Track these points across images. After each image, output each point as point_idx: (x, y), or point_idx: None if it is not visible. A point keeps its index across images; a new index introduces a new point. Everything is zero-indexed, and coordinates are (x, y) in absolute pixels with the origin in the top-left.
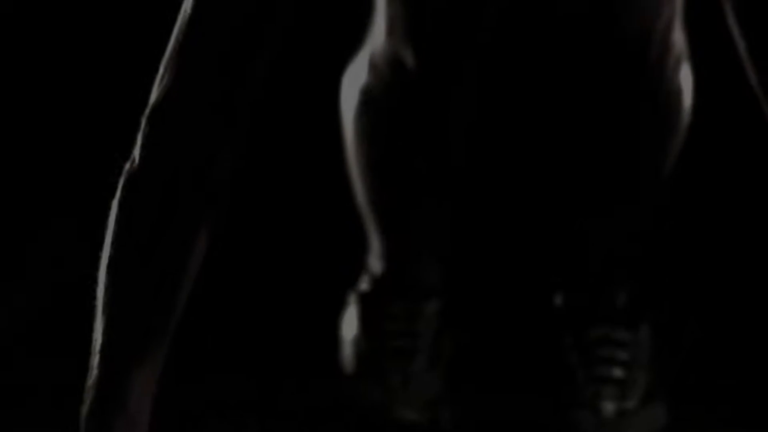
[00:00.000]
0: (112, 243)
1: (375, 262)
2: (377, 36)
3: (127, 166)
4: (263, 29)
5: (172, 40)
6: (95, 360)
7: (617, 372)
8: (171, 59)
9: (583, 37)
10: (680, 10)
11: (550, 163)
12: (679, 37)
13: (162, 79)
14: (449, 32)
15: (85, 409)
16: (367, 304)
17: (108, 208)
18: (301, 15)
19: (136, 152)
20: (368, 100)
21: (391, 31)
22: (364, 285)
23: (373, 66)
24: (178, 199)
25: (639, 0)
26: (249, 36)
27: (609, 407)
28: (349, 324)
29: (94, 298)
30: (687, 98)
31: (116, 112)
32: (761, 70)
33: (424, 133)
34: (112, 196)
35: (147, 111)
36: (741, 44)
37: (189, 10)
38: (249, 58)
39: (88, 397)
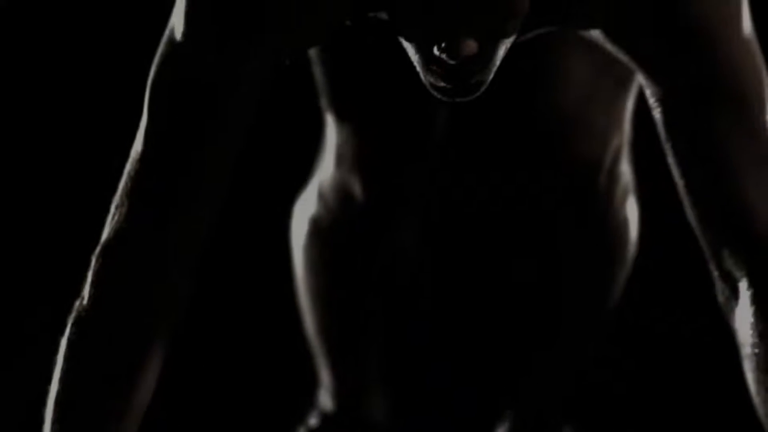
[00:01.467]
0: (59, 381)
1: (325, 398)
2: (326, 166)
3: (77, 303)
4: (213, 168)
5: (123, 178)
6: None
7: None
8: (122, 197)
9: (531, 166)
10: (628, 141)
11: (496, 293)
12: (626, 169)
13: (113, 217)
14: (397, 163)
15: None
16: None
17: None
18: (249, 149)
19: (86, 290)
20: (317, 230)
21: (339, 161)
22: (313, 421)
23: (321, 196)
24: (127, 341)
25: (588, 129)
26: (200, 174)
27: None
28: None
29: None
30: (633, 230)
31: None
32: (699, 210)
33: (372, 265)
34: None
35: (98, 249)
36: (680, 183)
37: (139, 148)
38: (200, 196)
39: None
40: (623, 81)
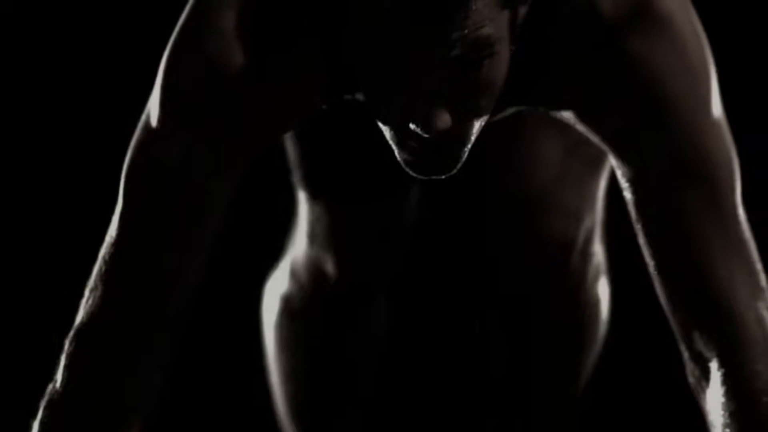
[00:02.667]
0: None
1: None
2: (298, 243)
3: (49, 386)
4: (188, 255)
5: (98, 261)
6: None
7: None
8: (96, 281)
9: (503, 246)
10: (600, 222)
11: (468, 371)
12: (599, 249)
13: (87, 301)
14: (370, 242)
15: None
16: None
17: None
18: (223, 237)
19: (58, 374)
20: (289, 309)
21: (311, 238)
22: None
23: (294, 274)
24: (98, 428)
25: (560, 208)
26: (174, 262)
27: None
28: None
29: None
30: (604, 310)
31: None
32: (669, 290)
33: (344, 343)
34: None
35: (71, 332)
36: (650, 264)
37: (114, 233)
38: (174, 284)
39: None
40: (595, 161)
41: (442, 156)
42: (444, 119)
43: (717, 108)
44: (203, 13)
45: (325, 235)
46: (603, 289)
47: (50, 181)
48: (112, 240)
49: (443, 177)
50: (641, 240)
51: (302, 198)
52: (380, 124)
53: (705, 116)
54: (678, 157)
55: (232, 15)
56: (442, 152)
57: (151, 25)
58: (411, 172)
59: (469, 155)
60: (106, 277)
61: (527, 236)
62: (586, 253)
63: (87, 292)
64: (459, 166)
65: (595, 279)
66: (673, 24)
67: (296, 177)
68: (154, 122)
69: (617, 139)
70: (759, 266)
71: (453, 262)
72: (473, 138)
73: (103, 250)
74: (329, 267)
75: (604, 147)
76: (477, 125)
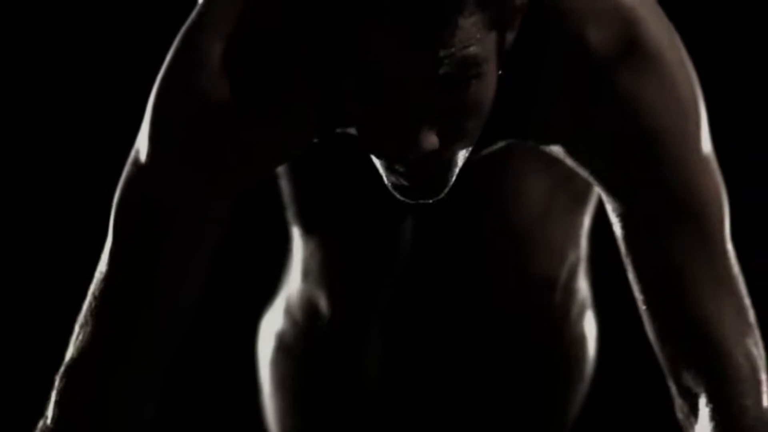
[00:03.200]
0: None
1: None
2: (292, 280)
3: (40, 423)
4: (178, 291)
5: (88, 297)
6: None
7: None
8: (87, 317)
9: (492, 278)
10: (585, 257)
11: (458, 401)
12: (583, 285)
13: (77, 337)
14: (363, 279)
15: None
16: None
17: None
18: (217, 272)
19: (49, 410)
20: (283, 346)
21: (305, 275)
22: None
23: (288, 311)
24: None
25: (544, 245)
26: (165, 297)
27: None
28: None
29: None
30: (591, 346)
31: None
32: (657, 325)
33: (339, 380)
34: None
35: (62, 368)
36: (639, 299)
37: (104, 269)
38: (165, 320)
39: None
40: (579, 197)
41: (430, 180)
42: (431, 140)
43: (706, 143)
44: (192, 46)
45: (318, 271)
46: (589, 326)
47: (50, 181)
48: (102, 276)
49: (431, 201)
50: (630, 274)
51: (296, 234)
52: (370, 151)
53: (694, 152)
54: (667, 194)
55: (221, 47)
56: (429, 176)
57: (151, 25)
58: (399, 196)
59: (457, 189)
60: (96, 312)
61: (513, 271)
62: (569, 289)
63: (77, 327)
64: (446, 190)
65: (580, 315)
66: (662, 59)
67: (290, 213)
68: (143, 158)
69: (606, 174)
70: (747, 302)
71: (444, 293)
72: (460, 163)
73: (94, 286)
74: (323, 303)
75: (592, 181)
76: (464, 149)
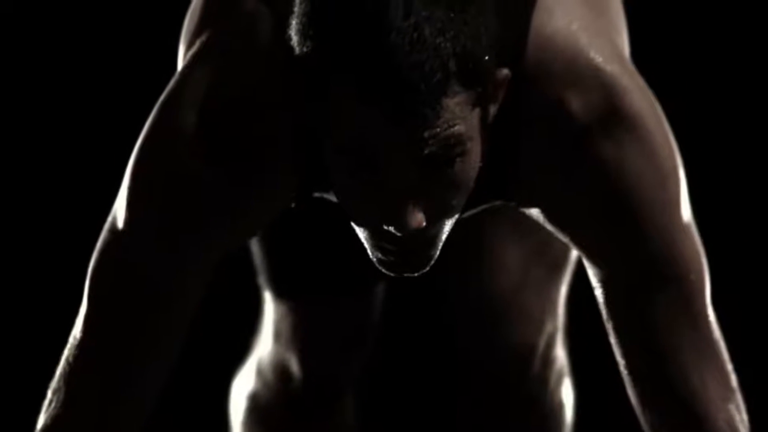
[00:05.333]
0: None
1: None
2: (264, 341)
3: None
4: (153, 359)
5: (61, 363)
6: None
7: None
8: (59, 383)
9: (464, 350)
10: (563, 326)
11: None
12: (561, 353)
13: (50, 403)
14: (335, 342)
15: None
16: None
17: None
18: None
19: None
20: (255, 407)
21: (277, 337)
22: None
23: (259, 372)
24: None
25: (521, 314)
26: (139, 365)
27: None
28: None
29: None
30: (568, 414)
31: None
32: (639, 390)
33: None
34: None
35: None
36: (621, 364)
37: (78, 335)
38: (140, 387)
39: None
40: (556, 267)
41: (415, 254)
42: (418, 218)
43: (686, 209)
44: (169, 115)
45: (290, 334)
46: (566, 394)
47: (50, 181)
48: (77, 342)
49: (415, 275)
50: (612, 339)
51: (268, 297)
52: (353, 224)
53: (674, 218)
54: (647, 261)
55: (199, 116)
56: (415, 251)
57: (151, 24)
58: (384, 271)
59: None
60: (69, 379)
61: (489, 340)
62: (547, 359)
63: (50, 393)
64: (432, 263)
65: (558, 384)
66: (642, 125)
67: (261, 277)
68: (120, 224)
69: (586, 241)
70: (729, 367)
71: (419, 360)
72: (445, 236)
73: (67, 352)
74: (294, 366)
75: (572, 246)
76: (449, 223)
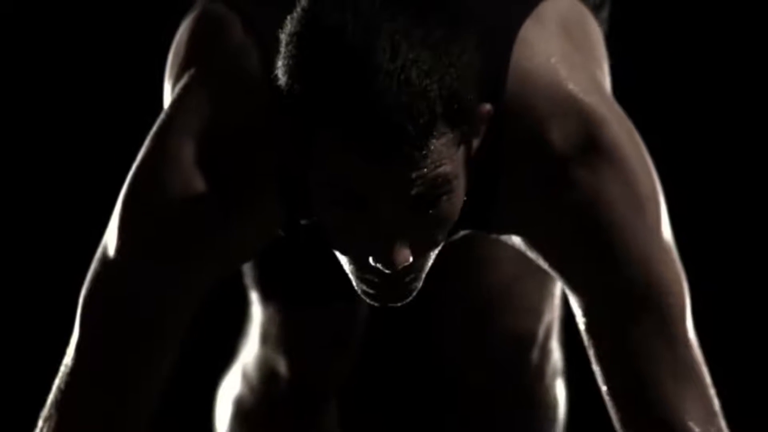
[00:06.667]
0: None
1: None
2: (250, 344)
3: None
4: (144, 385)
5: (53, 391)
6: None
7: None
8: (50, 410)
9: (462, 342)
10: (559, 319)
11: None
12: (557, 347)
13: (41, 431)
14: (321, 344)
15: None
16: None
17: None
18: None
19: None
20: (241, 411)
21: (264, 339)
22: None
23: (245, 376)
24: None
25: (520, 303)
26: (131, 392)
27: None
28: None
29: None
30: (561, 411)
31: None
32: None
33: None
34: None
35: None
36: (603, 388)
37: (70, 363)
38: (131, 412)
39: None
40: None
41: (399, 287)
42: (404, 255)
43: (666, 233)
44: (161, 146)
45: (277, 336)
46: (560, 393)
47: (50, 181)
48: (68, 369)
49: (398, 305)
50: (593, 363)
51: (255, 300)
52: (339, 255)
53: (653, 244)
54: (626, 288)
55: (191, 146)
56: (399, 283)
57: (151, 24)
58: (369, 302)
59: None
60: (61, 407)
61: (485, 334)
62: (545, 349)
63: (41, 421)
64: (414, 295)
65: (553, 379)
66: (619, 154)
67: (248, 278)
68: (111, 253)
69: (566, 269)
70: (712, 391)
71: (407, 362)
72: (427, 268)
73: (59, 380)
74: (282, 367)
75: (553, 274)
76: (432, 256)
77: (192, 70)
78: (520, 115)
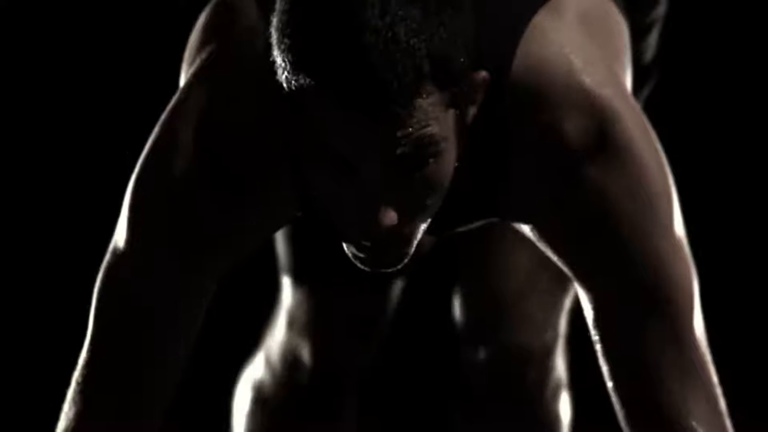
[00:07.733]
0: None
1: None
2: (277, 330)
3: None
4: (161, 374)
5: (72, 385)
6: None
7: None
8: (71, 404)
9: (466, 349)
10: (564, 336)
11: None
12: (560, 363)
13: (63, 425)
14: (348, 333)
15: None
16: None
17: None
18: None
19: None
20: (261, 397)
21: (291, 324)
22: None
23: (268, 361)
24: None
25: (524, 318)
26: (148, 381)
27: None
28: None
29: None
30: (565, 427)
31: None
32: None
33: None
34: None
35: None
36: (608, 383)
37: (87, 356)
38: (151, 402)
39: None
40: (562, 277)
41: (388, 252)
42: (390, 217)
43: (678, 229)
44: (170, 134)
45: (304, 321)
46: (564, 407)
47: (49, 181)
48: (85, 362)
49: (390, 270)
50: (600, 359)
51: (286, 284)
52: (331, 224)
53: (663, 241)
54: (635, 285)
55: (199, 135)
56: (388, 248)
57: (151, 24)
58: (359, 266)
59: (444, 255)
60: (80, 398)
61: (491, 340)
62: (545, 365)
63: (62, 415)
64: (405, 261)
65: (555, 394)
66: (631, 149)
67: (281, 262)
68: (123, 244)
69: (576, 263)
70: (717, 390)
71: (423, 360)
72: (419, 236)
73: (77, 372)
74: (305, 354)
75: (562, 267)
76: (423, 224)
77: (203, 54)
78: (531, 104)
